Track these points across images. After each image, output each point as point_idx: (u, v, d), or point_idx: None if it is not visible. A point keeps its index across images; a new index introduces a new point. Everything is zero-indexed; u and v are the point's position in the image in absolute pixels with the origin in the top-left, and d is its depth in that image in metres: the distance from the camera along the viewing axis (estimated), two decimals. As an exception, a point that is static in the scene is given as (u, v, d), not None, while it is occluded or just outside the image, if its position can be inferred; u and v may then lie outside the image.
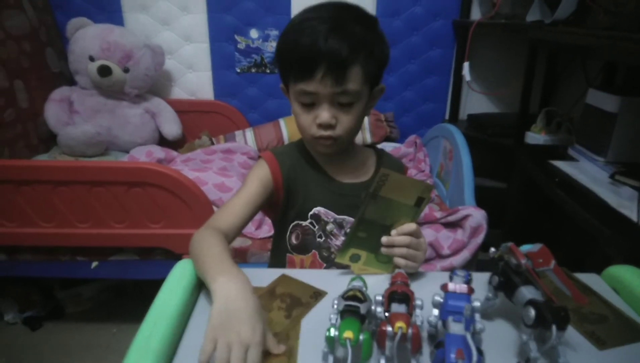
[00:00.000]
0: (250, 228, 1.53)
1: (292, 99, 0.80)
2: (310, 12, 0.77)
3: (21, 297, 1.76)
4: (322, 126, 0.77)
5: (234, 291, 0.60)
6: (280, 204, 0.87)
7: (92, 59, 1.84)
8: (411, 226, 0.73)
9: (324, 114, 0.76)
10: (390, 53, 0.82)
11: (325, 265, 0.87)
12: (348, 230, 0.84)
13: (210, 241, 0.71)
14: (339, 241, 0.86)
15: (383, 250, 0.74)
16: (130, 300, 1.87)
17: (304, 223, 0.86)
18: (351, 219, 0.86)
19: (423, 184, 0.70)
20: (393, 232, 0.73)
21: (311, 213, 0.85)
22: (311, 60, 0.72)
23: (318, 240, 0.86)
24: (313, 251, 0.87)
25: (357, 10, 0.79)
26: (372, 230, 0.74)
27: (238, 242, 1.51)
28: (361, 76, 0.75)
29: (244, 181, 0.86)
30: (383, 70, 0.81)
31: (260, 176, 0.85)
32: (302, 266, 0.87)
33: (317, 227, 0.86)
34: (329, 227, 0.86)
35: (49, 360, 1.59)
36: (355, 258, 0.76)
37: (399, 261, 0.73)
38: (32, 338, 1.70)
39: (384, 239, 0.73)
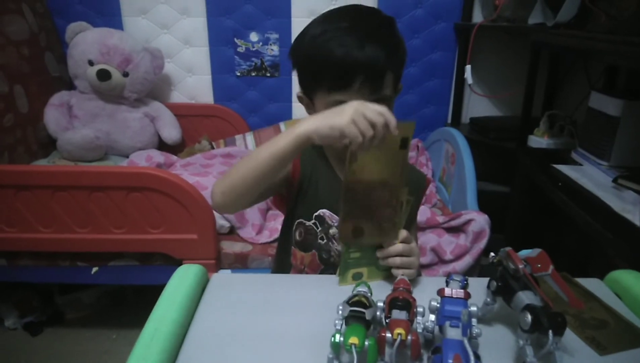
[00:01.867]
0: (250, 233, 1.52)
1: (320, 107, 0.77)
2: (331, 22, 0.76)
3: (21, 302, 1.76)
4: None
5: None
6: (292, 197, 0.87)
7: (91, 63, 1.83)
8: (402, 233, 0.74)
9: None
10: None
11: (323, 267, 0.87)
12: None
13: (244, 158, 0.74)
14: (340, 246, 0.85)
15: (381, 262, 0.75)
16: (130, 306, 1.86)
17: (308, 223, 0.86)
18: None
19: (402, 124, 0.65)
20: (385, 244, 0.74)
21: (316, 214, 0.85)
22: (349, 70, 0.71)
23: (319, 241, 0.86)
24: (313, 251, 0.87)
25: (379, 14, 0.78)
26: (364, 193, 0.70)
27: (239, 247, 1.50)
28: (393, 80, 0.76)
29: None
30: (403, 70, 0.80)
31: None
32: (302, 263, 0.88)
33: (320, 229, 0.85)
34: (332, 231, 0.85)
35: (48, 366, 1.59)
36: (357, 277, 0.75)
37: (395, 271, 0.74)
38: (32, 344, 1.69)
39: (379, 253, 0.74)
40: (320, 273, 0.87)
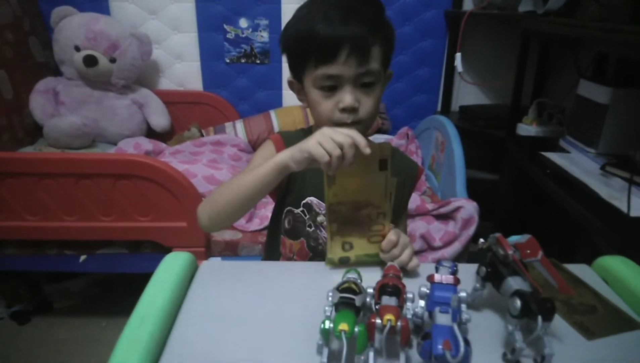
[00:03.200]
0: (241, 221, 1.52)
1: (309, 87, 0.79)
2: (316, 2, 0.78)
3: (8, 292, 1.74)
4: (345, 109, 0.76)
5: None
6: (283, 186, 0.88)
7: (77, 48, 1.80)
8: (390, 237, 0.73)
9: (348, 96, 0.76)
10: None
11: (311, 254, 0.87)
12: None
13: (226, 183, 0.80)
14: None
15: (382, 256, 0.74)
16: (120, 294, 1.85)
17: (296, 211, 0.87)
18: None
19: (377, 145, 0.67)
20: (381, 255, 0.74)
21: (304, 201, 0.86)
22: (334, 42, 0.73)
23: (307, 229, 0.87)
24: (302, 238, 0.88)
25: None
26: (349, 211, 0.72)
27: (229, 235, 1.49)
28: (380, 55, 0.77)
29: (251, 160, 0.87)
30: (392, 54, 0.82)
31: (266, 156, 0.84)
32: (291, 251, 0.89)
33: (308, 216, 0.87)
34: (320, 218, 0.86)
35: (37, 355, 1.57)
36: (345, 257, 0.75)
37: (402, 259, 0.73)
38: (20, 333, 1.68)
39: (382, 256, 0.73)
40: (309, 261, 0.87)
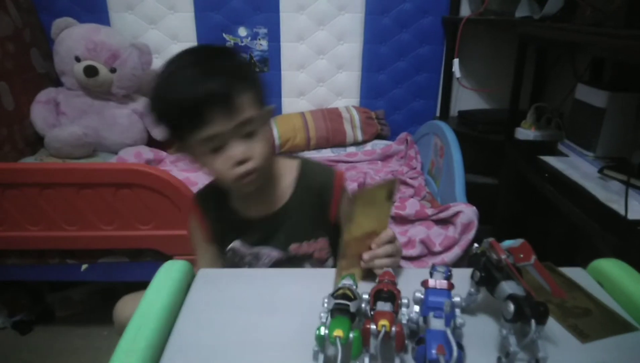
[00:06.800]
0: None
1: (196, 153, 0.77)
2: (173, 63, 0.76)
3: (10, 301, 1.74)
4: (238, 163, 0.75)
5: None
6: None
7: (78, 59, 1.81)
8: (388, 233, 0.75)
9: (235, 151, 0.74)
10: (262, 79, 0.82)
11: None
12: (267, 261, 0.91)
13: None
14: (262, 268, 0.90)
15: (363, 264, 0.74)
16: (121, 303, 1.85)
17: (226, 256, 0.92)
18: (267, 249, 0.89)
19: (390, 182, 0.71)
20: (373, 245, 0.75)
21: (228, 248, 0.91)
22: (198, 105, 0.71)
23: (245, 263, 0.92)
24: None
25: (212, 48, 0.81)
26: (357, 244, 0.74)
27: (229, 242, 1.50)
28: (251, 100, 0.75)
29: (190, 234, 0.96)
30: (265, 92, 0.80)
31: (196, 234, 0.94)
32: None
33: (237, 258, 0.91)
34: (247, 259, 0.91)
35: (39, 364, 1.58)
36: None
37: (379, 272, 0.73)
38: (22, 343, 1.68)
39: (365, 256, 0.74)
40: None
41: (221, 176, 0.78)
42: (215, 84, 0.71)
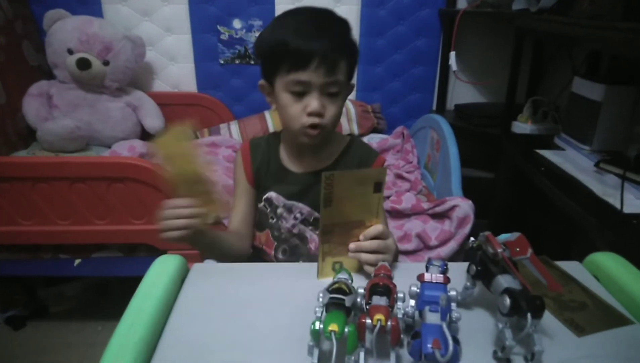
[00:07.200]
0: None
1: (280, 91, 0.85)
2: (292, 14, 0.87)
3: (3, 297, 1.73)
4: (312, 114, 0.83)
5: None
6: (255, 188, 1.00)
7: (70, 52, 1.79)
8: (378, 228, 0.75)
9: (314, 102, 0.83)
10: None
11: (276, 243, 0.96)
12: (298, 215, 0.93)
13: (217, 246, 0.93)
14: (289, 223, 0.95)
15: (350, 255, 0.74)
16: (115, 298, 1.82)
17: (260, 205, 0.97)
18: (300, 205, 0.94)
19: (375, 170, 0.71)
20: (361, 237, 0.74)
21: (265, 196, 0.96)
22: (306, 52, 0.80)
23: (270, 220, 0.96)
24: (267, 230, 0.97)
25: (333, 13, 0.89)
26: (342, 232, 0.73)
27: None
28: (345, 69, 0.85)
29: (233, 181, 1.01)
30: (355, 69, 0.90)
31: (238, 178, 0.99)
32: (259, 242, 0.99)
33: (269, 209, 0.96)
34: (279, 211, 0.95)
35: (33, 360, 1.57)
36: (337, 267, 0.75)
37: (367, 268, 0.73)
38: (16, 338, 1.67)
39: (351, 246, 0.74)
40: (274, 249, 0.96)
41: (292, 121, 0.86)
42: (328, 40, 0.81)
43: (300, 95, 0.84)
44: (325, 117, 0.84)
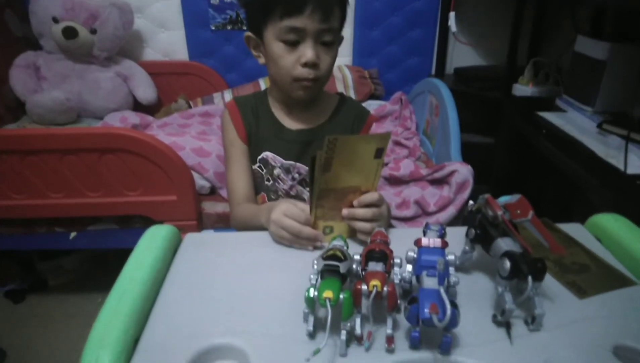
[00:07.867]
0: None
1: (271, 41, 0.80)
2: None
3: (0, 271, 1.73)
4: (307, 64, 0.79)
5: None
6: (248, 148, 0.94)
7: (55, 20, 1.73)
8: (373, 196, 0.72)
9: (309, 51, 0.78)
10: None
11: None
12: (296, 176, 0.90)
13: (243, 212, 0.87)
14: (286, 185, 0.91)
15: (346, 221, 0.72)
16: (113, 269, 1.82)
17: (254, 166, 0.92)
18: (299, 164, 0.90)
19: (379, 135, 0.67)
20: (355, 203, 0.72)
21: (260, 157, 0.91)
22: None
23: (266, 183, 0.92)
24: (262, 193, 0.93)
25: None
26: (337, 197, 0.71)
27: (221, 207, 1.47)
28: (339, 16, 0.81)
29: (224, 146, 0.94)
30: (344, 22, 0.85)
31: (230, 138, 0.92)
32: None
33: (265, 171, 0.92)
34: (276, 171, 0.91)
35: (33, 332, 1.57)
36: (328, 230, 0.73)
37: (360, 236, 0.71)
38: (16, 311, 1.67)
39: (345, 211, 0.71)
40: None
41: (285, 73, 0.81)
42: None
43: (293, 44, 0.79)
44: (320, 68, 0.80)
